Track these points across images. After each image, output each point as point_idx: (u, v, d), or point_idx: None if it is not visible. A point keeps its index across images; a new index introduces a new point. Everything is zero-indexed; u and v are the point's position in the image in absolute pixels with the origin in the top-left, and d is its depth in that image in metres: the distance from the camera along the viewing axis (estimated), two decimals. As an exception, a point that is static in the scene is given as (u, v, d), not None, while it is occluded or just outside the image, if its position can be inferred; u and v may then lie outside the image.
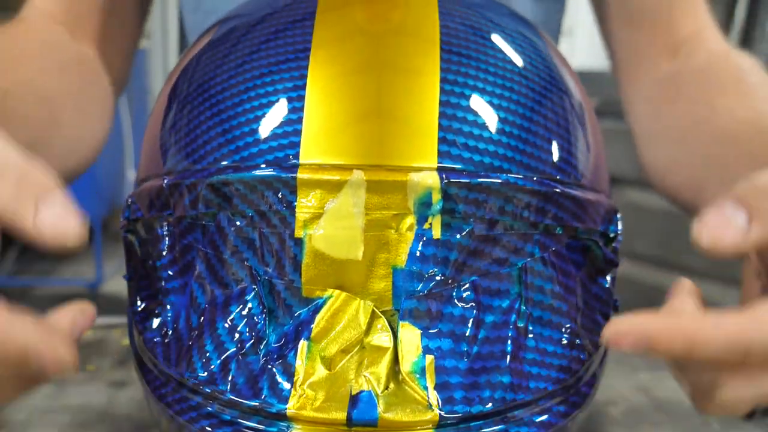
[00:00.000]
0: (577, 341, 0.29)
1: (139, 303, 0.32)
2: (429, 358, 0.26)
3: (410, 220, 0.27)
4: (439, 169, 0.27)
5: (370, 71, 0.29)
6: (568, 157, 0.31)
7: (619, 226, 0.34)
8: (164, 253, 0.31)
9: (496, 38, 0.32)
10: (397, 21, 0.31)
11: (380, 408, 0.25)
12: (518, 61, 0.31)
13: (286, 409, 0.25)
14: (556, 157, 0.30)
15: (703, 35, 0.51)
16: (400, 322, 0.27)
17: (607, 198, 0.35)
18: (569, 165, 0.31)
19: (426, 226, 0.27)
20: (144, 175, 0.34)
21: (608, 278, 0.33)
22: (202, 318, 0.28)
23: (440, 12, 0.32)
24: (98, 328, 0.60)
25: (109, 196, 3.25)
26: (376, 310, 0.27)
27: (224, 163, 0.28)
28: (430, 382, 0.26)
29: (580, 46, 4.44)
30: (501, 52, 0.31)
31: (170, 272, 0.31)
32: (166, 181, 0.30)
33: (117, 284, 3.32)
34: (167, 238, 0.31)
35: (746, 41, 2.96)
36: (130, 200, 0.34)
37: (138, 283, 0.33)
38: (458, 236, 0.27)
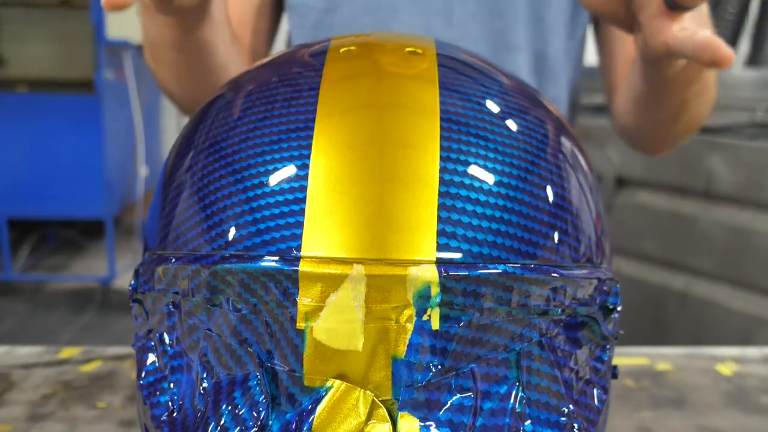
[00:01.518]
0: (575, 424, 0.30)
1: (144, 376, 0.33)
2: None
3: (409, 312, 0.27)
4: (438, 262, 0.27)
5: (372, 151, 0.29)
6: (568, 240, 0.31)
7: (619, 298, 0.34)
8: (171, 330, 0.32)
9: (497, 113, 0.32)
10: (399, 94, 0.32)
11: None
12: (520, 140, 0.32)
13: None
14: (556, 239, 0.30)
15: None
16: (399, 412, 0.27)
17: (608, 267, 0.36)
18: (569, 247, 0.31)
19: (425, 317, 0.27)
20: (152, 245, 0.35)
21: (608, 352, 0.33)
22: (207, 402, 0.29)
23: (440, 85, 0.32)
24: (108, 359, 0.61)
25: (121, 193, 3.28)
26: (375, 399, 0.28)
27: (229, 252, 0.29)
28: None
29: (591, 43, 4.40)
30: (502, 129, 0.32)
31: (176, 349, 0.32)
32: (173, 262, 0.31)
33: (129, 279, 3.34)
34: (174, 316, 0.32)
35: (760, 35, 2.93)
36: (139, 270, 0.35)
37: (144, 354, 0.34)
38: (457, 327, 0.28)
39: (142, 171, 3.38)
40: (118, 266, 3.24)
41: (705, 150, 1.87)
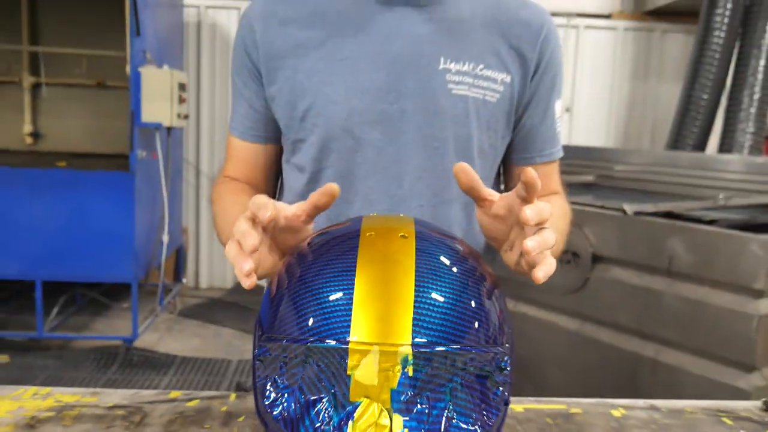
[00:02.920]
0: (479, 426, 0.57)
1: (267, 395, 0.59)
2: (398, 419, 0.54)
3: (398, 368, 0.55)
4: (412, 345, 0.55)
5: (381, 287, 0.57)
6: (481, 331, 0.59)
7: (507, 362, 0.61)
8: (281, 375, 0.59)
9: (448, 264, 0.60)
10: (394, 264, 0.60)
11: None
12: (458, 278, 0.60)
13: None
14: (475, 330, 0.58)
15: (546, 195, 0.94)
16: (394, 414, 0.54)
17: (504, 343, 0.63)
18: (483, 334, 0.59)
19: (406, 370, 0.55)
20: (266, 325, 0.62)
21: (501, 389, 0.60)
22: (302, 408, 0.56)
23: (416, 254, 0.60)
24: (203, 399, 0.86)
25: (146, 260, 3.57)
26: (383, 407, 0.55)
27: (313, 338, 0.56)
28: None
29: (578, 124, 4.81)
30: (449, 273, 0.60)
31: (284, 385, 0.58)
32: (285, 342, 0.58)
33: (149, 339, 3.60)
34: (284, 368, 0.59)
35: None
36: (267, 346, 0.61)
37: (264, 386, 0.60)
38: (420, 375, 0.55)
39: (165, 239, 3.70)
40: (140, 327, 3.49)
41: (667, 233, 2.16)
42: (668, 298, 2.16)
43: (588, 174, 3.74)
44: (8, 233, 3.27)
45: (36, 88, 4.33)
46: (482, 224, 0.71)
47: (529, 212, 0.59)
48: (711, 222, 2.20)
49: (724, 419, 0.81)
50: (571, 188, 3.43)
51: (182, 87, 3.46)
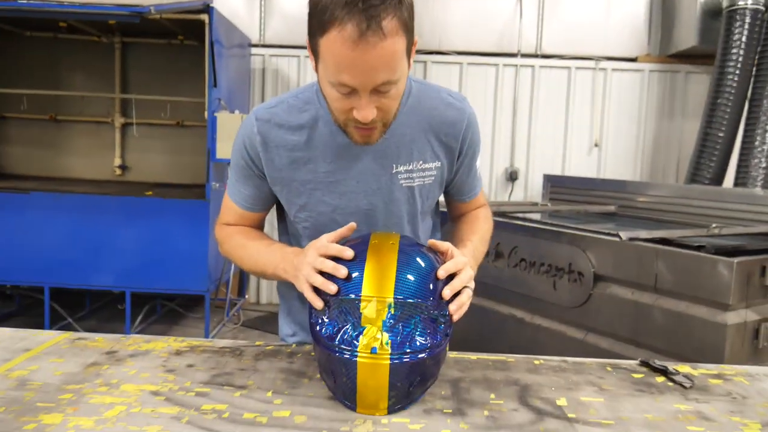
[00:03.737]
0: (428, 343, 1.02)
1: (318, 327, 1.06)
2: (386, 335, 0.99)
3: (386, 309, 1.01)
4: (394, 298, 1.00)
5: (380, 268, 1.04)
6: (435, 293, 1.04)
7: (447, 310, 1.06)
8: (326, 313, 1.05)
9: (415, 256, 1.07)
10: (387, 250, 1.07)
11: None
12: (422, 262, 1.06)
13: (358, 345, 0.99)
14: (432, 291, 1.03)
15: (474, 210, 1.38)
16: (383, 332, 0.98)
17: (448, 304, 1.08)
18: (434, 295, 1.04)
19: (390, 310, 1.01)
20: (320, 293, 1.08)
21: (443, 326, 1.04)
22: (336, 332, 1.03)
23: (399, 250, 1.06)
24: (276, 345, 1.35)
25: (216, 275, 4.14)
26: (378, 329, 0.99)
27: (339, 295, 1.03)
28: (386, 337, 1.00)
29: (607, 159, 5.18)
30: (416, 259, 1.06)
31: (327, 318, 1.05)
32: (328, 297, 1.05)
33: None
34: (328, 310, 1.05)
35: None
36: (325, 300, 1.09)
37: (318, 322, 1.06)
38: (398, 313, 1.01)
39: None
40: (210, 335, 4.05)
41: (654, 256, 2.54)
42: (655, 311, 2.53)
43: (612, 204, 4.12)
44: (103, 251, 3.90)
45: (125, 127, 5.04)
46: None
47: (447, 292, 1.03)
48: (699, 247, 2.55)
49: (608, 368, 1.25)
50: (595, 217, 3.83)
51: (250, 128, 4.05)
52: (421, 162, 1.22)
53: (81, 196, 3.94)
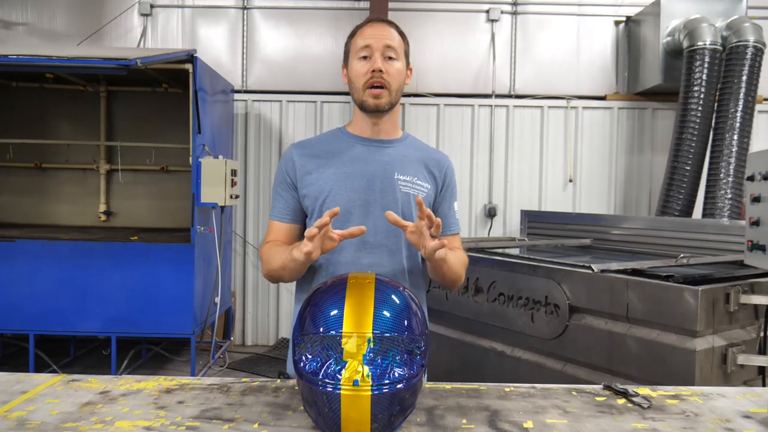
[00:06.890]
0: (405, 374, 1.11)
1: (302, 365, 1.14)
2: (366, 368, 1.08)
3: (365, 344, 1.09)
4: (373, 333, 1.09)
5: (358, 308, 1.13)
6: (410, 327, 1.12)
7: (423, 344, 1.15)
8: (309, 354, 1.13)
9: (391, 295, 1.16)
10: (365, 291, 1.16)
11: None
12: (399, 302, 1.15)
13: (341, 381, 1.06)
14: (407, 326, 1.12)
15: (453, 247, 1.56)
16: (363, 365, 1.07)
17: (422, 334, 1.17)
18: (417, 329, 1.13)
19: (370, 345, 1.09)
20: (303, 331, 1.17)
21: (419, 358, 1.13)
22: (318, 368, 1.10)
23: (375, 289, 1.16)
24: (262, 381, 1.43)
25: (202, 318, 4.18)
26: (359, 362, 1.07)
27: (321, 332, 1.12)
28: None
29: (581, 194, 5.35)
30: (393, 300, 1.15)
31: (310, 354, 1.13)
32: (311, 334, 1.13)
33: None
34: (314, 346, 1.13)
35: None
36: (301, 337, 1.16)
37: (301, 360, 1.14)
38: (377, 347, 1.10)
39: (218, 300, 4.31)
40: (197, 372, 4.06)
41: (624, 287, 2.65)
42: (628, 340, 2.63)
43: (587, 237, 4.25)
44: (88, 296, 3.93)
45: (110, 173, 5.11)
46: (408, 239, 1.36)
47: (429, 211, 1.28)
48: (667, 277, 2.66)
49: (573, 392, 1.34)
50: (571, 250, 3.95)
51: (233, 172, 4.16)
52: (416, 178, 1.56)
53: (67, 243, 3.98)
